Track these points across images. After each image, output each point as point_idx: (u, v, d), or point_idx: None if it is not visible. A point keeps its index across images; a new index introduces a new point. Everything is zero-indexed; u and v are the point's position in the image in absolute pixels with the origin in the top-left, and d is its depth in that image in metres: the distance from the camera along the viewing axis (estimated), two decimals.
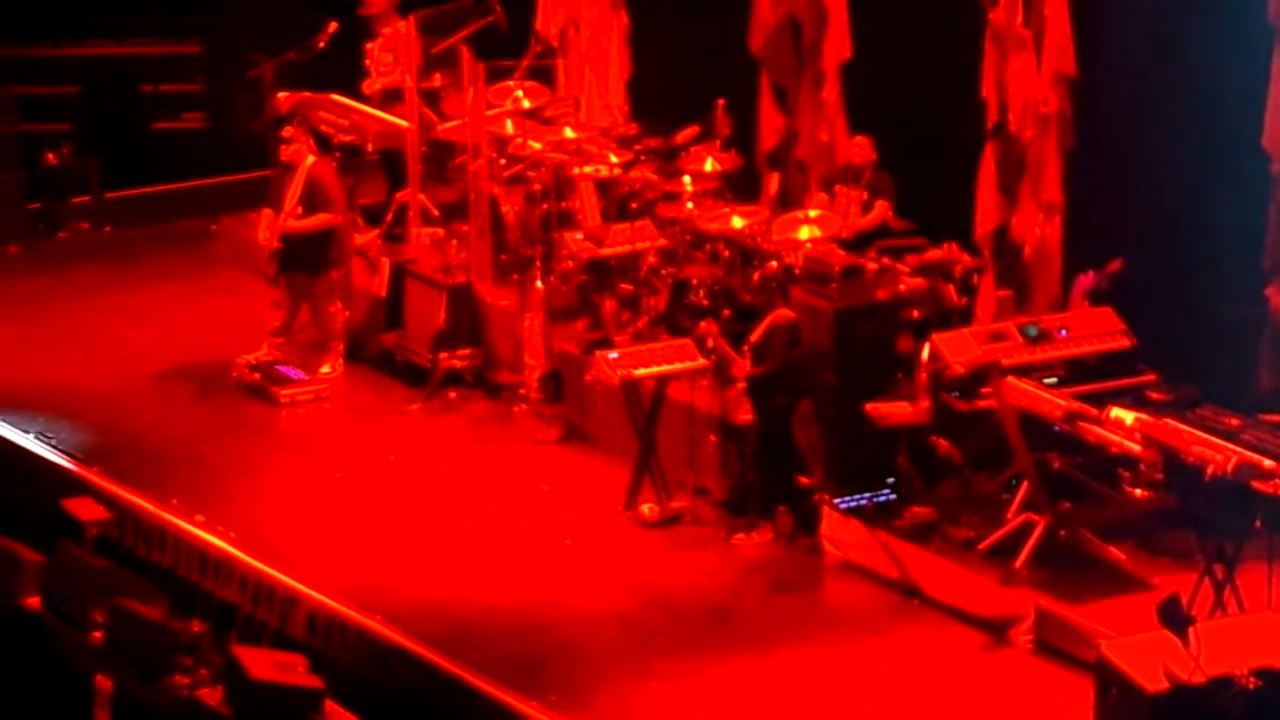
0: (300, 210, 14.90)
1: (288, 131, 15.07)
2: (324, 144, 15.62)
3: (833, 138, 14.99)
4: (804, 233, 13.79)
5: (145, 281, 16.82)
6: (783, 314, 12.95)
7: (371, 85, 16.38)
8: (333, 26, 16.34)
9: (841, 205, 14.33)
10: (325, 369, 15.13)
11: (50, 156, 18.05)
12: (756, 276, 13.35)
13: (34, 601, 12.49)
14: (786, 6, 15.12)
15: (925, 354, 12.66)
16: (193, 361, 15.35)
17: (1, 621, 12.42)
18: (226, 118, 18.85)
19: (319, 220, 14.92)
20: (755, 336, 13.02)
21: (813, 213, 14.07)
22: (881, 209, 14.31)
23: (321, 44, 16.32)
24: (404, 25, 16.19)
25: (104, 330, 15.95)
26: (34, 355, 15.56)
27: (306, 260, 15.00)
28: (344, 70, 16.56)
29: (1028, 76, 13.59)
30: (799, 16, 15.11)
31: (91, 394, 14.92)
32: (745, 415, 13.06)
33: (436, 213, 15.98)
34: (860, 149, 14.47)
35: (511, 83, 15.94)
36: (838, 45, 14.86)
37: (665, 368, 13.25)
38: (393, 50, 16.21)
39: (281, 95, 16.36)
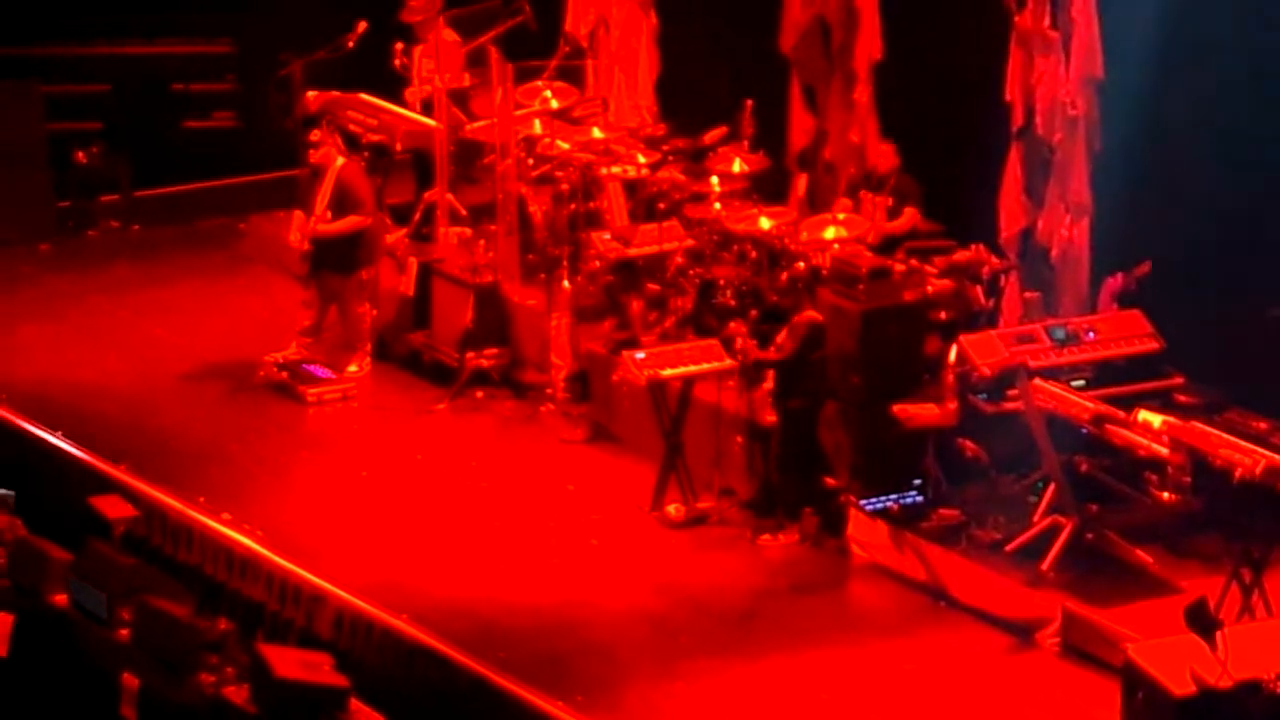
0: (330, 213, 14.92)
1: (316, 134, 15.10)
2: (353, 144, 15.63)
3: (864, 139, 14.97)
4: (831, 234, 13.78)
5: (174, 280, 16.85)
6: (806, 315, 12.94)
7: (415, 93, 16.35)
8: (362, 26, 16.35)
9: (866, 211, 14.31)
10: (352, 368, 15.14)
11: (80, 155, 18.09)
12: (784, 277, 13.36)
13: (61, 599, 12.52)
14: (817, 7, 15.11)
15: (952, 355, 12.64)
16: (220, 360, 15.38)
17: (29, 619, 12.45)
18: (256, 117, 18.89)
19: (348, 223, 14.93)
20: (780, 337, 13.03)
21: (840, 214, 14.06)
22: (910, 215, 14.28)
23: (351, 44, 16.34)
24: (448, 33, 16.19)
25: (133, 328, 15.99)
26: (63, 353, 15.59)
27: (336, 261, 15.02)
28: (372, 70, 16.58)
29: (1055, 79, 13.56)
30: (829, 18, 15.10)
31: (120, 392, 14.96)
32: (771, 416, 13.06)
33: (464, 212, 16.00)
34: (884, 156, 14.45)
35: (540, 83, 15.94)
36: (869, 46, 14.84)
37: (692, 368, 13.25)
38: (435, 58, 16.17)
39: (310, 95, 16.39)
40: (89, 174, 18.11)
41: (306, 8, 18.33)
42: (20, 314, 16.22)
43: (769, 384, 13.08)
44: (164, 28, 19.10)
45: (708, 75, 16.20)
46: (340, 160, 15.03)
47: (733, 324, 13.27)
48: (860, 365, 12.82)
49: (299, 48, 16.75)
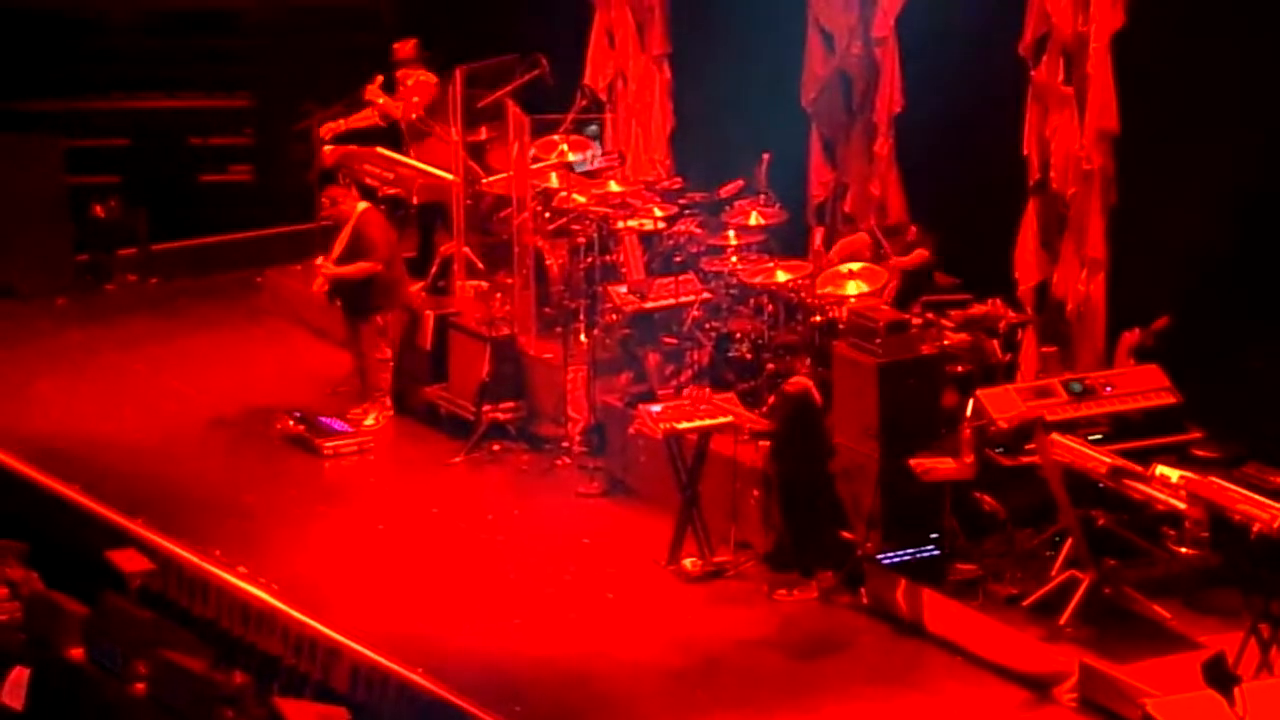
0: (342, 255, 15.00)
1: (332, 190, 15.21)
2: (369, 197, 15.70)
3: (884, 191, 14.99)
4: (849, 287, 13.79)
5: (191, 333, 16.89)
6: (792, 383, 12.94)
7: (334, 128, 16.40)
8: (379, 80, 16.46)
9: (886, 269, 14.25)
10: (369, 420, 15.15)
11: (98, 209, 18.16)
12: (778, 339, 13.40)
13: (77, 653, 12.49)
14: (838, 60, 15.15)
15: (969, 409, 12.63)
16: (237, 413, 15.40)
17: (45, 673, 12.43)
18: (273, 171, 18.96)
19: (358, 268, 15.01)
20: (771, 400, 13.06)
21: (856, 267, 14.07)
22: (920, 254, 14.18)
23: (366, 96, 16.45)
24: (425, 74, 16.30)
25: (150, 381, 16.01)
26: (80, 406, 15.62)
27: (349, 305, 15.10)
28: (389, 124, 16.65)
29: (1070, 133, 13.58)
30: (850, 70, 15.14)
31: (136, 445, 14.97)
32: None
33: (481, 265, 16.03)
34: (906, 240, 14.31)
35: (557, 136, 15.99)
36: (889, 98, 14.87)
37: (708, 421, 13.24)
38: (409, 94, 16.27)
39: (327, 149, 16.47)
40: (107, 227, 18.17)
41: (323, 62, 18.44)
42: (38, 367, 16.26)
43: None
44: (182, 82, 19.19)
45: (724, 128, 16.23)
46: (361, 205, 15.13)
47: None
48: (877, 419, 12.80)
49: (317, 101, 16.85)
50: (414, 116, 16.33)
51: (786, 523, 12.96)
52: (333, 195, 15.24)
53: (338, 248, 15.09)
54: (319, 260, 15.23)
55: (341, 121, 16.54)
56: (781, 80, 15.44)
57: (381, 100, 16.40)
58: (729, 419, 13.19)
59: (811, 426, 12.85)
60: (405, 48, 16.54)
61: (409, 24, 17.48)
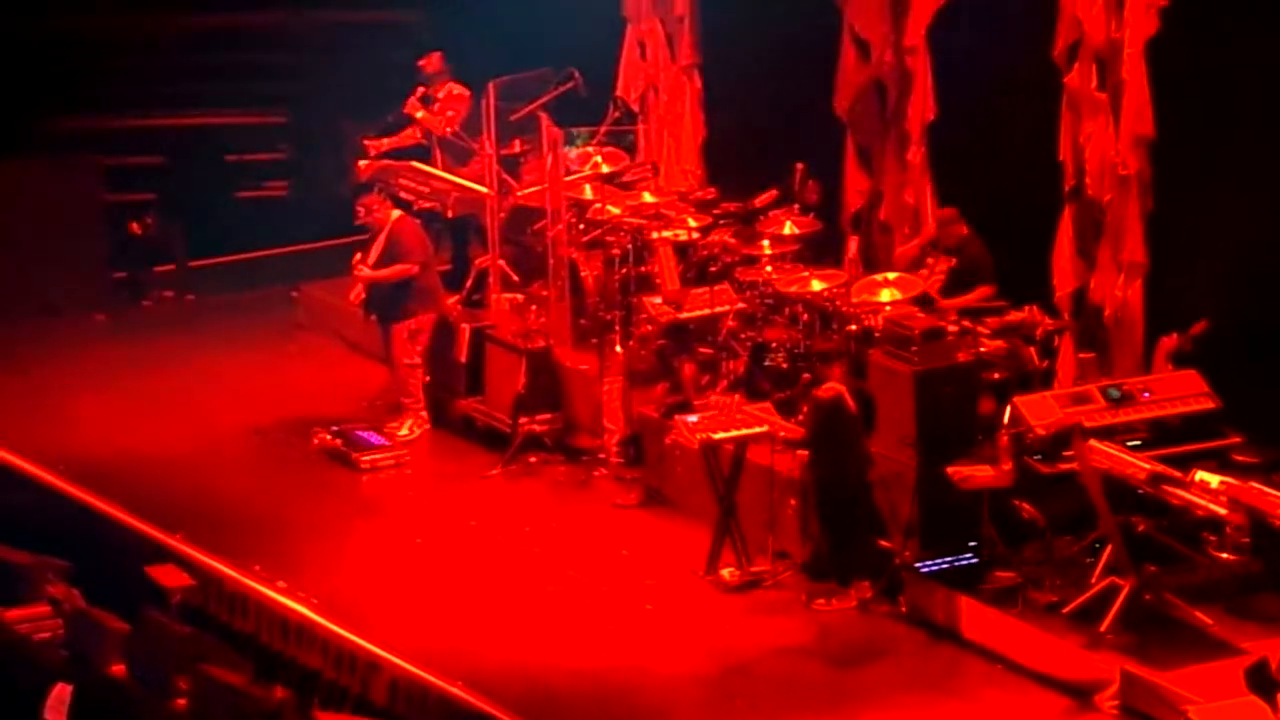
0: (378, 261, 15.04)
1: (366, 199, 15.25)
2: (404, 210, 15.73)
3: (918, 200, 14.97)
4: (884, 295, 13.77)
5: (227, 348, 16.95)
6: (824, 389, 12.91)
7: (414, 105, 16.43)
8: (420, 92, 16.50)
9: (924, 274, 14.22)
10: (403, 432, 15.17)
11: (135, 225, 18.25)
12: (816, 347, 13.37)
13: (119, 669, 12.53)
14: (872, 69, 15.14)
15: (1007, 416, 12.59)
16: (274, 427, 15.44)
17: (87, 690, 12.47)
18: (309, 186, 19.03)
19: (394, 271, 15.05)
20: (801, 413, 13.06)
21: (892, 275, 14.04)
22: (983, 292, 14.06)
23: (407, 111, 16.50)
24: (457, 86, 16.31)
25: (187, 397, 16.07)
26: (118, 422, 15.68)
27: (383, 313, 15.14)
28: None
29: (1105, 139, 13.54)
30: (884, 78, 15.13)
31: (175, 461, 15.02)
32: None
33: (516, 278, 16.05)
34: (951, 226, 14.17)
35: (590, 148, 16.00)
36: (922, 106, 14.86)
37: (745, 431, 13.23)
38: (444, 108, 16.30)
39: (362, 163, 16.52)
40: (144, 244, 18.26)
41: (359, 78, 18.49)
42: (76, 384, 16.33)
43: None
44: (218, 99, 19.26)
45: (759, 138, 16.23)
46: (396, 213, 15.19)
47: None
48: (914, 427, 12.78)
49: (353, 117, 16.92)
50: (448, 131, 16.36)
51: (824, 531, 12.94)
52: (367, 204, 15.28)
53: (374, 253, 15.15)
54: (356, 258, 15.24)
55: (384, 140, 16.55)
56: (815, 89, 15.44)
57: (421, 114, 16.42)
58: (764, 428, 13.17)
59: (844, 432, 12.81)
60: (432, 61, 16.56)
61: (443, 39, 17.52)
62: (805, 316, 14.12)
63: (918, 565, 12.70)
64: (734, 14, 16.35)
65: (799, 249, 14.73)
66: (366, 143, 16.61)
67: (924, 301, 13.80)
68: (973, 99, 14.60)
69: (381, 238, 15.15)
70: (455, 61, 16.64)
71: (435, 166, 16.31)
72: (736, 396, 13.56)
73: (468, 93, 16.36)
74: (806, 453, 13.03)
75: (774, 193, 15.22)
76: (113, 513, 14.29)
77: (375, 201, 15.32)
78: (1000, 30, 14.22)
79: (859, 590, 12.84)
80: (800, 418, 13.22)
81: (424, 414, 15.30)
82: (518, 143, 16.44)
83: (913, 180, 15.00)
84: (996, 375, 13.19)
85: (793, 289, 14.19)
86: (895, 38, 14.95)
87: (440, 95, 16.47)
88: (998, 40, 14.25)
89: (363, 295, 15.26)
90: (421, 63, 16.62)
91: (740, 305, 14.45)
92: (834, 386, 12.90)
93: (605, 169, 15.73)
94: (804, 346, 13.97)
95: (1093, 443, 12.29)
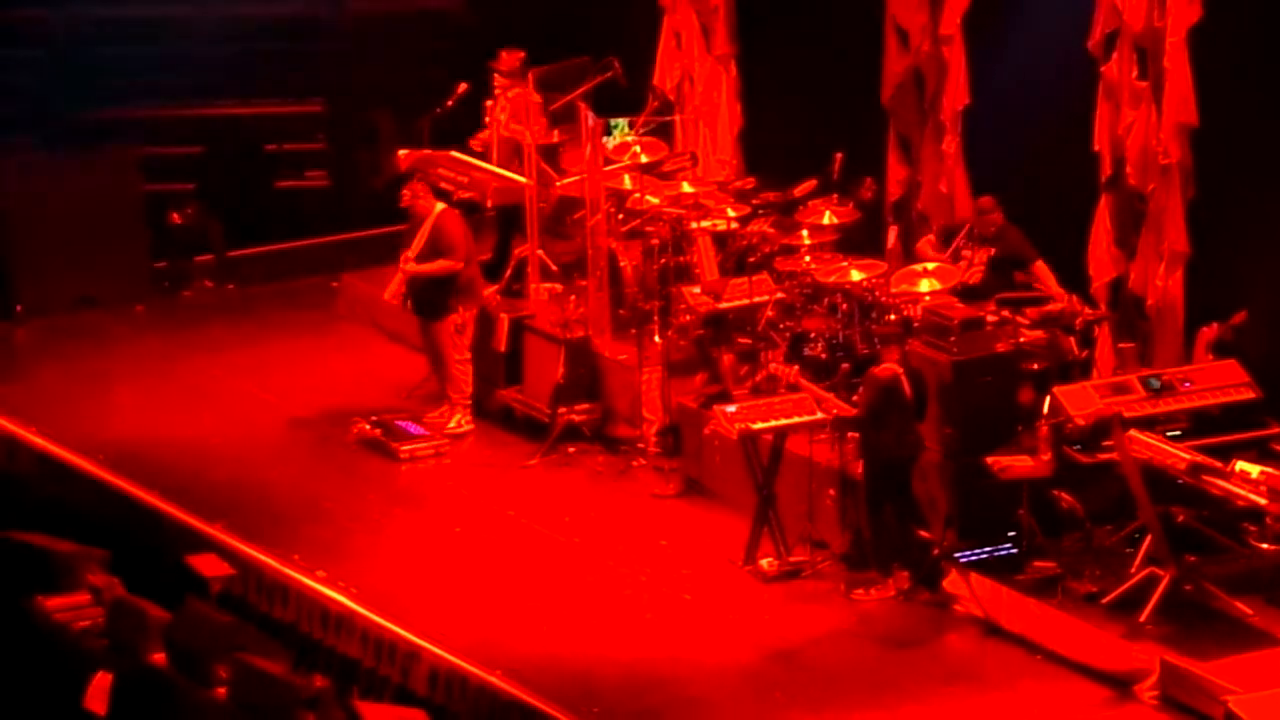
0: (422, 253, 15.01)
1: (414, 184, 15.21)
2: (444, 200, 15.72)
3: (952, 189, 14.95)
4: (924, 285, 13.74)
5: (267, 339, 16.98)
6: (882, 369, 12.86)
7: (480, 140, 16.38)
8: (463, 88, 16.45)
9: (964, 266, 14.17)
10: (451, 424, 15.15)
11: (175, 216, 18.28)
12: (874, 330, 13.33)
13: (159, 658, 12.58)
14: (911, 58, 15.13)
15: (1046, 406, 12.56)
16: (315, 417, 15.47)
17: (127, 678, 12.52)
18: (348, 176, 19.04)
19: (439, 265, 15.02)
20: (858, 393, 13.01)
21: (931, 265, 14.01)
22: (1040, 267, 13.92)
23: (450, 104, 16.45)
24: (533, 95, 16.24)
25: (227, 387, 16.11)
26: (159, 412, 15.73)
27: (425, 305, 15.12)
28: (468, 128, 16.63)
29: (1145, 128, 13.49)
30: (923, 68, 15.11)
31: (215, 450, 15.07)
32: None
33: (555, 268, 16.05)
34: (986, 216, 14.11)
35: (630, 138, 15.98)
36: (955, 94, 14.84)
37: (784, 421, 13.22)
38: (508, 109, 16.25)
39: (402, 153, 16.51)
40: (184, 234, 18.30)
41: (398, 67, 18.49)
42: (116, 374, 16.38)
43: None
44: (257, 89, 19.29)
45: (799, 128, 16.21)
46: (439, 206, 15.15)
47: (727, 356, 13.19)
48: (953, 416, 12.76)
49: (389, 107, 16.89)
50: (504, 134, 16.23)
51: (869, 515, 12.89)
52: (415, 189, 15.20)
53: (416, 246, 15.10)
54: (404, 255, 15.21)
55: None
56: (855, 78, 15.42)
57: (507, 123, 16.18)
58: (808, 417, 13.12)
59: (899, 413, 12.77)
60: (511, 59, 16.33)
61: (485, 29, 17.47)
62: (844, 306, 14.10)
63: (957, 555, 12.68)
64: (772, 3, 16.34)
65: (839, 239, 14.70)
66: (399, 156, 16.45)
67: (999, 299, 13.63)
68: (1007, 90, 14.56)
69: (425, 230, 15.11)
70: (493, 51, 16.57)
71: (490, 161, 16.24)
72: (795, 367, 13.45)
73: (539, 99, 16.26)
74: (858, 434, 12.95)
75: (813, 182, 15.20)
76: (153, 502, 14.35)
77: (421, 188, 15.25)
78: (1034, 21, 14.17)
79: (898, 580, 12.82)
80: (855, 397, 13.11)
81: (470, 410, 15.25)
82: (556, 133, 16.42)
83: (947, 169, 14.98)
84: (1036, 365, 13.15)
85: (831, 279, 14.17)
86: (933, 27, 14.93)
87: (510, 94, 16.29)
88: (1032, 30, 14.21)
89: (401, 291, 15.17)
90: (503, 53, 16.29)
91: (779, 295, 14.43)
92: (891, 367, 12.85)
93: (644, 159, 15.73)
94: (843, 336, 13.94)
95: (1133, 433, 12.26)
